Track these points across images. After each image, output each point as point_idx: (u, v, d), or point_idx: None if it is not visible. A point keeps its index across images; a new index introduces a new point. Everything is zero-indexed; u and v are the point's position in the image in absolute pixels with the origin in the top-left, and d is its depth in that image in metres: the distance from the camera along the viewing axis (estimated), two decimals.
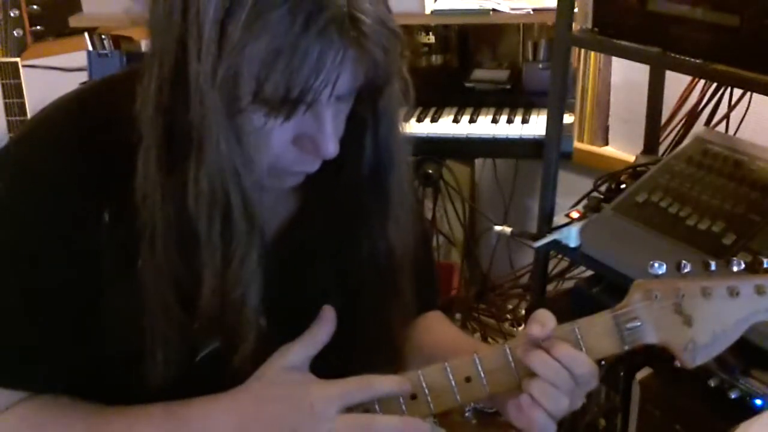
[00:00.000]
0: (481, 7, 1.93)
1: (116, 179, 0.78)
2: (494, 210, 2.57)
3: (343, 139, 0.81)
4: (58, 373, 0.85)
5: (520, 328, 2.51)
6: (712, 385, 1.28)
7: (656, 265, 0.84)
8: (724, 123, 1.79)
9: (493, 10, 1.92)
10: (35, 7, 2.08)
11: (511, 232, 1.76)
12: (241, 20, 0.69)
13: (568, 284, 2.06)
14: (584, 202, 1.63)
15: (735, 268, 0.81)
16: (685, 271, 0.83)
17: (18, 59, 2.01)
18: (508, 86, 2.13)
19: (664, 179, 1.50)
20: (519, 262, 2.58)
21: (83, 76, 2.17)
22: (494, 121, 2.00)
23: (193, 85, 0.72)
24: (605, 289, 1.49)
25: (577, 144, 2.21)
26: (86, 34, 2.19)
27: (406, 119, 0.89)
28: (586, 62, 2.17)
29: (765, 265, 0.81)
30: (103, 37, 2.17)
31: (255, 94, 0.72)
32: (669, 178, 1.49)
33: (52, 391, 0.86)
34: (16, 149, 0.88)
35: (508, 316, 2.61)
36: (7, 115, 2.02)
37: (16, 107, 2.02)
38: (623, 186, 1.61)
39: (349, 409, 0.82)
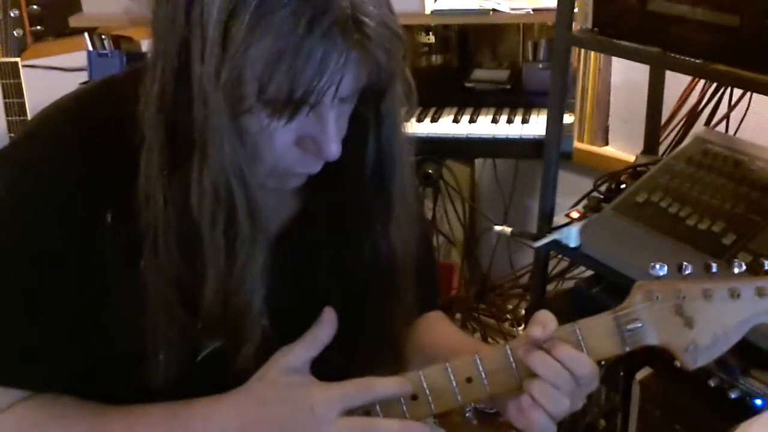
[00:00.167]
0: (481, 7, 1.93)
1: (118, 180, 0.79)
2: (494, 210, 2.57)
3: (345, 140, 0.81)
4: (58, 372, 0.86)
5: (520, 328, 2.51)
6: (712, 385, 1.28)
7: (657, 266, 0.84)
8: (724, 123, 1.79)
9: (493, 10, 1.92)
10: (35, 7, 2.07)
11: (511, 232, 1.76)
12: (244, 21, 0.69)
13: (568, 284, 2.06)
14: (584, 202, 1.63)
15: (736, 270, 0.82)
16: (687, 272, 0.83)
17: (18, 59, 2.01)
18: (508, 86, 2.13)
19: (664, 179, 1.50)
20: (519, 262, 2.58)
21: (83, 76, 2.17)
22: (494, 121, 2.00)
23: (196, 86, 0.72)
24: (605, 289, 1.49)
25: (577, 144, 2.21)
26: (86, 34, 2.19)
27: (407, 120, 0.89)
28: (586, 62, 2.17)
29: (766, 267, 0.81)
30: (103, 37, 2.17)
31: (258, 95, 0.72)
32: (669, 178, 1.49)
33: (52, 390, 0.86)
34: (16, 150, 0.88)
35: (508, 316, 2.61)
36: (7, 115, 2.02)
37: (16, 107, 2.01)
38: (623, 186, 1.61)
39: (350, 412, 0.82)
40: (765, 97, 1.35)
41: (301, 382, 0.84)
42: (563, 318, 0.85)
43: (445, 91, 2.12)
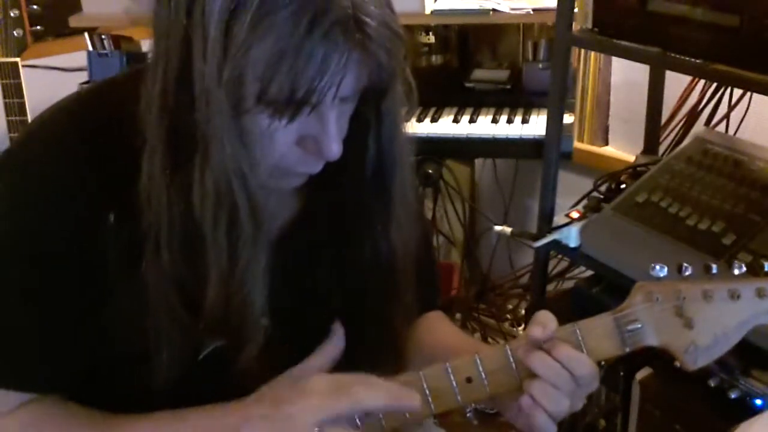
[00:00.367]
0: (481, 7, 1.93)
1: (120, 181, 0.79)
2: (494, 210, 2.57)
3: (346, 140, 0.81)
4: (59, 374, 0.86)
5: (520, 328, 2.51)
6: (712, 385, 1.28)
7: (657, 267, 0.84)
8: (724, 123, 1.79)
9: (493, 10, 1.92)
10: (35, 7, 2.07)
11: (511, 232, 1.76)
12: (246, 21, 0.69)
13: (568, 284, 2.06)
14: (584, 202, 1.63)
15: (736, 271, 0.82)
16: (687, 273, 0.83)
17: (18, 59, 2.00)
18: (508, 86, 2.13)
19: (664, 179, 1.50)
20: (519, 262, 2.58)
21: (83, 76, 2.17)
22: (494, 121, 2.00)
23: (198, 86, 0.72)
24: (605, 289, 1.49)
25: (577, 144, 2.21)
26: (86, 34, 2.19)
27: (407, 121, 0.89)
28: (586, 62, 2.17)
29: (766, 269, 0.81)
30: (103, 37, 2.16)
31: (260, 95, 0.72)
32: (669, 178, 1.49)
33: (53, 392, 0.86)
34: (18, 151, 0.88)
35: (508, 316, 2.61)
36: (7, 115, 2.02)
37: (16, 107, 2.01)
38: (623, 186, 1.61)
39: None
40: (765, 97, 1.35)
41: (302, 376, 0.85)
42: (563, 318, 0.85)
43: (445, 91, 2.11)
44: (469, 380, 0.85)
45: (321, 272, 0.94)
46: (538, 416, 0.83)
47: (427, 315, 1.09)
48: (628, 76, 2.13)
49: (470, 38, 2.28)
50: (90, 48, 2.17)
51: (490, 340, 2.52)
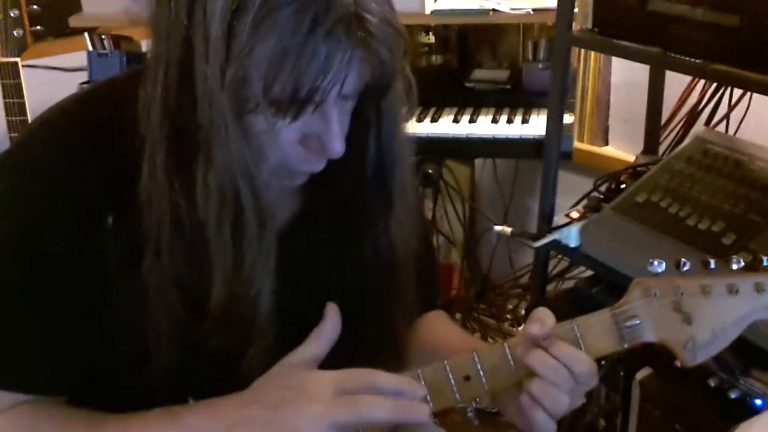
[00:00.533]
0: (481, 7, 1.93)
1: (120, 181, 0.78)
2: (494, 210, 2.57)
3: (346, 138, 0.81)
4: (59, 374, 0.85)
5: (520, 328, 2.51)
6: (712, 385, 1.28)
7: (655, 263, 0.84)
8: (724, 123, 1.79)
9: (493, 10, 1.92)
10: (35, 7, 2.07)
11: (511, 232, 1.76)
12: (248, 21, 0.69)
13: (568, 284, 2.06)
14: (584, 202, 1.63)
15: (734, 266, 0.81)
16: (685, 269, 0.83)
17: (18, 59, 2.00)
18: (508, 86, 2.13)
19: (664, 179, 1.50)
20: (519, 262, 2.58)
21: (83, 76, 2.17)
22: (494, 121, 2.00)
23: (200, 87, 0.72)
24: (605, 289, 1.49)
25: (577, 144, 2.21)
26: (86, 34, 2.19)
27: (408, 119, 0.89)
28: (586, 62, 2.17)
29: (764, 264, 0.81)
30: (103, 37, 2.17)
31: (263, 94, 0.72)
32: (669, 178, 1.49)
33: (53, 392, 0.86)
34: (18, 151, 0.88)
35: (508, 316, 2.61)
36: (7, 115, 2.02)
37: (16, 107, 2.01)
38: (623, 186, 1.61)
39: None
40: (765, 97, 1.35)
41: (300, 371, 0.83)
42: (563, 318, 0.85)
43: (445, 91, 2.12)
44: (467, 378, 0.85)
45: (321, 271, 0.93)
46: (537, 414, 0.82)
47: (428, 314, 1.09)
48: (628, 76, 2.13)
49: (470, 38, 2.28)
50: (90, 48, 2.17)
51: (490, 340, 2.52)
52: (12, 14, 1.98)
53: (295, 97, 0.72)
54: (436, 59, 2.26)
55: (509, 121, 2.00)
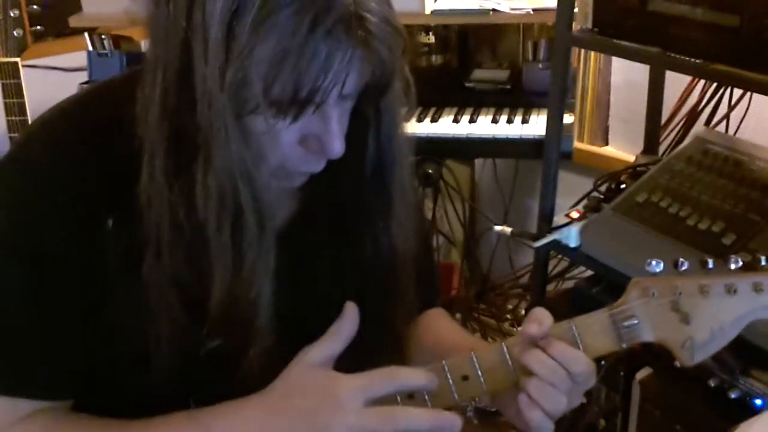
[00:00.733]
0: (481, 7, 1.93)
1: (119, 182, 0.78)
2: (494, 210, 2.57)
3: (345, 137, 0.81)
4: (59, 376, 0.85)
5: (520, 328, 2.51)
6: (712, 385, 1.28)
7: (654, 262, 0.84)
8: (724, 123, 1.79)
9: (493, 10, 1.92)
10: (35, 7, 2.08)
11: (511, 232, 1.76)
12: (248, 22, 0.68)
13: (568, 284, 2.06)
14: (584, 202, 1.63)
15: (733, 266, 0.81)
16: (683, 268, 0.83)
17: (18, 59, 2.01)
18: (508, 86, 2.14)
19: (664, 179, 1.50)
20: (519, 262, 2.58)
21: (83, 76, 2.17)
22: (494, 121, 2.00)
23: (199, 88, 0.72)
24: (605, 289, 1.49)
25: (577, 144, 2.21)
26: (86, 34, 2.19)
27: (407, 119, 0.89)
28: (586, 62, 2.17)
29: (763, 263, 0.81)
30: (103, 37, 2.17)
31: (263, 95, 0.71)
32: (669, 178, 1.49)
33: (53, 393, 0.86)
34: (18, 152, 0.88)
35: (508, 316, 2.61)
36: (7, 115, 2.02)
37: (16, 107, 2.02)
38: (623, 186, 1.61)
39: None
40: (765, 97, 1.35)
41: (324, 375, 0.83)
42: (563, 318, 0.85)
43: (445, 91, 2.12)
44: (465, 378, 0.85)
45: (321, 272, 0.93)
46: (535, 414, 0.82)
47: (428, 313, 1.09)
48: (628, 76, 2.13)
49: (470, 38, 2.29)
50: (90, 48, 2.17)
51: (490, 340, 2.52)
52: (12, 14, 1.98)
53: (296, 98, 0.72)
54: (436, 59, 2.26)
55: (509, 121, 2.00)
